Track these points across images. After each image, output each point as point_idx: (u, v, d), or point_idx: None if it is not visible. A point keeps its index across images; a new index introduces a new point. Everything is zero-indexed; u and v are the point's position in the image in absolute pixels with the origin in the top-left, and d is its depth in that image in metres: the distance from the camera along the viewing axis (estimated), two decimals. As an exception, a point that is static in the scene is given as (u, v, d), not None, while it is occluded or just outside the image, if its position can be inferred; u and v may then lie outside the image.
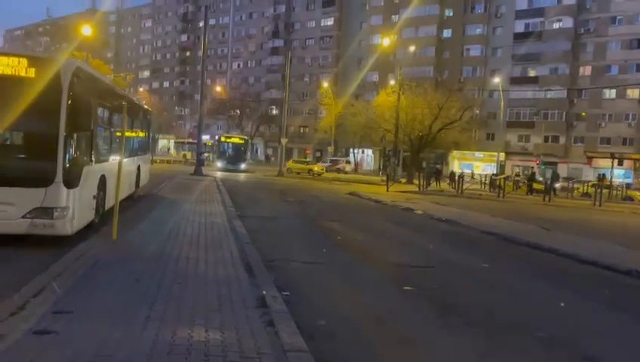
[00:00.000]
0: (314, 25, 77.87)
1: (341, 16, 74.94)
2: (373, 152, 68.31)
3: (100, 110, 9.44)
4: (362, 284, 7.33)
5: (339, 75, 70.35)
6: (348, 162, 61.07)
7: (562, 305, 7.00)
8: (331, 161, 59.52)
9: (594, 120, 54.95)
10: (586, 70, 56.41)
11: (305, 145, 73.88)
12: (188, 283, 5.94)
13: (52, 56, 8.37)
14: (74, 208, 7.62)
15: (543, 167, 51.95)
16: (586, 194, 34.86)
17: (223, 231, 9.81)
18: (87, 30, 39.10)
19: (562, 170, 51.29)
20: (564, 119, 56.88)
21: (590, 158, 51.95)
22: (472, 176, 42.59)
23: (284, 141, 42.23)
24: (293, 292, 6.28)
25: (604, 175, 42.18)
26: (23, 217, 7.23)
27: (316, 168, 47.52)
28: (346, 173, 53.21)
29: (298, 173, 44.50)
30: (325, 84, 63.34)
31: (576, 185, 38.06)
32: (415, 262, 9.31)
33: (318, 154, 72.31)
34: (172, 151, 71.02)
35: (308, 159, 61.44)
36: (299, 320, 4.96)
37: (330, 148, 62.01)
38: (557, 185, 35.28)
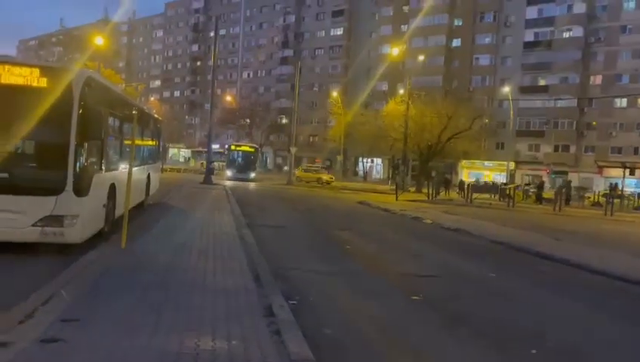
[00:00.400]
0: (323, 35, 78.28)
1: (350, 26, 75.28)
2: (382, 161, 68.25)
3: (110, 119, 9.52)
4: (370, 293, 7.29)
5: (348, 85, 70.52)
6: (324, 168, 61.18)
7: (571, 313, 6.93)
8: (309, 165, 60.30)
9: (605, 129, 54.58)
10: (596, 79, 56.16)
11: (314, 154, 73.96)
12: (195, 292, 5.94)
13: (64, 66, 8.48)
14: (84, 216, 7.67)
15: (554, 176, 51.61)
16: (597, 204, 34.56)
17: (231, 240, 9.82)
18: (99, 40, 39.69)
19: (573, 179, 50.88)
20: (574, 128, 56.57)
21: (601, 168, 51.53)
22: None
23: (293, 150, 42.33)
24: (301, 301, 6.27)
25: (615, 184, 41.77)
26: (34, 225, 7.28)
27: (325, 177, 47.51)
28: None
29: (307, 182, 44.52)
30: (335, 94, 63.53)
31: (587, 195, 37.75)
32: (423, 271, 9.26)
33: (327, 163, 72.37)
34: (191, 160, 70.92)
35: (318, 166, 61.50)
36: (306, 329, 4.94)
37: (340, 157, 62.09)
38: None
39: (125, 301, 5.36)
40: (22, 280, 6.22)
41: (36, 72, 7.47)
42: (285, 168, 66.35)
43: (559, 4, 57.38)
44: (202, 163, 57.97)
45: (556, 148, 56.48)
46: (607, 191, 37.64)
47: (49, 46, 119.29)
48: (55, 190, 7.32)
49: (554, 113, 56.64)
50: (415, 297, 7.12)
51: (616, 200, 30.43)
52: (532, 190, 37.51)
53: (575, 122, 56.58)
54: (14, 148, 8.06)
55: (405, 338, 5.49)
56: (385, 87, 66.49)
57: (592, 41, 56.08)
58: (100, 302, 5.22)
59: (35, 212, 7.28)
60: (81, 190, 7.58)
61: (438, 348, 5.30)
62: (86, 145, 7.69)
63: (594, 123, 55.60)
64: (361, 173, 68.53)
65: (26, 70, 7.46)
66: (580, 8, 56.43)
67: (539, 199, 34.49)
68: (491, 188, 36.56)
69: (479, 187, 35.68)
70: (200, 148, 74.64)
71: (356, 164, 71.75)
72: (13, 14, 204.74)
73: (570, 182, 40.58)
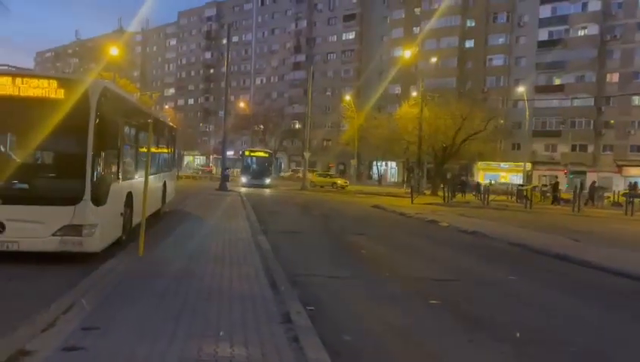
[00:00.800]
0: (335, 39, 78.48)
1: (362, 29, 75.34)
2: (397, 164, 68.00)
3: (126, 128, 9.63)
4: (388, 298, 7.25)
5: (361, 88, 70.54)
6: (337, 174, 61.73)
7: (592, 315, 6.81)
8: (293, 170, 64.67)
9: (623, 127, 53.77)
10: (613, 77, 55.40)
11: (328, 159, 73.97)
12: (213, 299, 5.96)
13: (80, 78, 8.59)
14: (102, 225, 7.76)
15: (572, 176, 50.96)
16: (617, 204, 34.01)
17: (247, 247, 9.85)
18: (114, 51, 40.27)
19: (591, 179, 50.23)
20: (591, 127, 55.83)
21: (620, 167, 50.86)
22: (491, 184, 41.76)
23: (307, 155, 42.31)
24: (318, 307, 6.25)
25: (635, 183, 41.11)
26: (53, 235, 7.38)
27: (340, 181, 47.49)
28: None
29: (322, 187, 44.49)
30: (347, 98, 63.57)
31: (606, 195, 37.16)
32: (441, 275, 9.18)
33: (341, 167, 72.34)
34: (213, 168, 71.10)
35: (331, 172, 61.60)
36: (324, 335, 4.93)
37: (353, 161, 62.05)
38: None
39: (144, 308, 5.40)
40: (43, 289, 6.31)
41: (53, 83, 7.58)
42: (292, 172, 66.48)
43: (573, 3, 56.81)
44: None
45: (574, 148, 55.79)
46: (627, 191, 37.05)
47: (65, 57, 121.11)
48: (73, 200, 7.42)
49: (570, 112, 55.99)
50: (433, 301, 7.07)
51: (636, 200, 29.92)
52: (549, 192, 37.03)
53: (592, 121, 55.85)
54: (33, 160, 8.22)
55: (425, 344, 5.44)
56: (398, 89, 66.38)
57: (608, 38, 55.36)
58: (119, 310, 5.27)
59: (55, 222, 7.38)
60: (98, 199, 7.67)
61: (457, 353, 5.24)
62: (103, 154, 7.79)
63: (612, 121, 54.82)
64: (375, 176, 68.36)
65: (43, 82, 7.59)
66: (595, 6, 55.80)
67: (556, 200, 34.06)
68: (468, 186, 36.35)
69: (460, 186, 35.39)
70: (217, 156, 75.11)
71: (370, 167, 71.61)
72: (30, 27, 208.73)
73: (594, 182, 39.73)
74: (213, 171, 63.27)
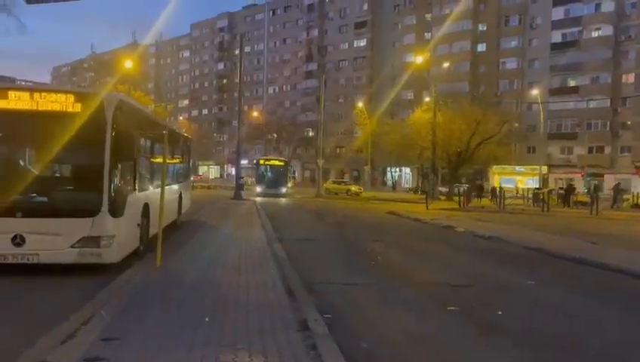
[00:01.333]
0: (347, 47, 78.70)
1: (373, 36, 75.47)
2: (411, 170, 67.75)
3: (142, 140, 9.73)
4: (404, 305, 7.22)
5: (373, 95, 70.53)
6: (351, 180, 61.30)
7: (613, 319, 6.71)
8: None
9: (641, 128, 53.05)
10: (629, 78, 54.75)
11: (341, 166, 73.97)
12: (230, 307, 6.00)
13: (96, 91, 8.73)
14: (119, 236, 7.84)
15: (589, 178, 50.31)
16: (636, 206, 33.48)
17: (263, 255, 9.88)
18: (128, 64, 40.87)
19: (609, 181, 49.53)
20: (608, 129, 55.14)
21: (638, 168, 50.02)
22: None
23: (320, 162, 42.34)
24: (335, 314, 6.24)
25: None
26: (72, 246, 7.48)
27: (354, 188, 47.47)
28: None
29: (336, 194, 44.49)
30: (360, 104, 63.59)
31: (625, 196, 36.55)
32: (458, 281, 9.11)
33: (355, 173, 72.26)
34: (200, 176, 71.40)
35: (345, 179, 61.58)
36: (341, 343, 4.93)
37: (367, 168, 61.98)
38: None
39: (162, 318, 5.45)
40: (62, 301, 6.38)
41: (70, 97, 7.71)
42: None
43: (586, 4, 56.38)
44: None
45: (590, 150, 55.14)
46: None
47: (81, 71, 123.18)
48: (91, 211, 7.51)
49: (586, 114, 55.40)
50: (451, 307, 7.02)
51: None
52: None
53: (609, 122, 55.19)
54: (51, 173, 8.34)
55: (443, 351, 5.40)
56: (410, 95, 66.29)
57: (623, 39, 54.82)
58: (138, 320, 5.32)
59: (73, 233, 7.48)
60: (116, 211, 7.76)
61: (474, 358, 5.19)
62: (120, 166, 7.88)
63: (628, 123, 54.11)
64: (389, 182, 68.20)
65: (60, 96, 7.71)
66: (608, 7, 55.32)
67: (573, 203, 33.58)
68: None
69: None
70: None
71: (384, 173, 71.43)
72: (46, 42, 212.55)
73: (619, 183, 38.99)
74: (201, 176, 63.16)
